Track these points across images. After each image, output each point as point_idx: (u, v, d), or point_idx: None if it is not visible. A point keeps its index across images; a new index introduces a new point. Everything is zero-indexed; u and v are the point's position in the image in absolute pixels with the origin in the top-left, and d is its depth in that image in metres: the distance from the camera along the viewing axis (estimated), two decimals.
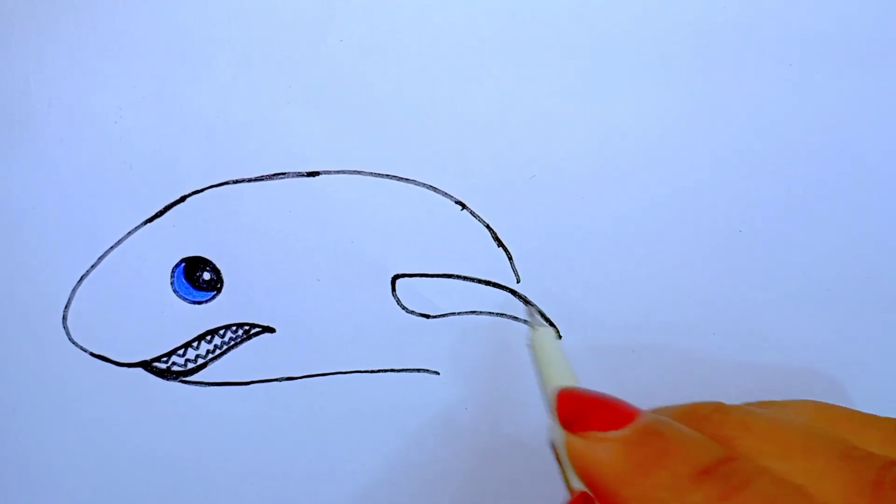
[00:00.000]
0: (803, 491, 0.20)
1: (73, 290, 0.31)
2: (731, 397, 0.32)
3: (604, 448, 0.22)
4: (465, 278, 0.31)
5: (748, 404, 0.24)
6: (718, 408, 0.23)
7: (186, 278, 0.31)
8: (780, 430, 0.22)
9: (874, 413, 0.26)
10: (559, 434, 0.24)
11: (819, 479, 0.20)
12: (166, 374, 0.31)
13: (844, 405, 0.32)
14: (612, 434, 0.22)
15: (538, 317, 0.31)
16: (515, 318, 0.31)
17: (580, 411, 0.23)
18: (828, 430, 0.22)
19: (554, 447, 0.24)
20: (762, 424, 0.22)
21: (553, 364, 0.27)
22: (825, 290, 0.31)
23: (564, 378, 0.26)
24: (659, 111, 0.30)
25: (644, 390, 0.32)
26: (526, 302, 0.31)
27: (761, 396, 0.32)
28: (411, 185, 0.30)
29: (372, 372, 0.32)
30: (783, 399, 0.26)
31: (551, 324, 0.31)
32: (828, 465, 0.21)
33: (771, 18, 0.29)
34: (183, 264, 0.31)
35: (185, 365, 0.31)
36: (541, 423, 0.32)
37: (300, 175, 0.30)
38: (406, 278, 0.31)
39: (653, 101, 0.30)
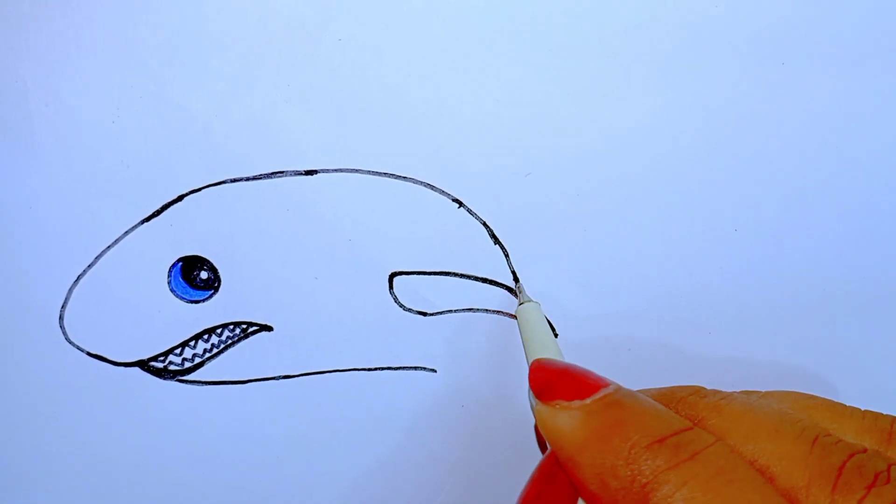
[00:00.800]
0: (757, 465, 0.21)
1: (70, 290, 0.30)
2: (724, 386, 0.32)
3: (566, 416, 0.23)
4: (462, 276, 0.31)
5: (731, 391, 0.25)
6: (695, 391, 0.24)
7: (183, 277, 0.31)
8: (751, 413, 0.22)
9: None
10: (533, 402, 0.24)
11: (784, 461, 0.21)
12: (163, 374, 0.31)
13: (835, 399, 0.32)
14: (575, 403, 0.23)
15: (526, 292, 0.31)
16: (512, 316, 0.32)
17: (549, 382, 0.24)
18: (803, 417, 0.23)
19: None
20: (734, 407, 0.23)
21: (536, 336, 0.28)
22: (819, 289, 0.31)
23: (545, 349, 0.27)
24: (654, 109, 0.30)
25: (639, 385, 0.32)
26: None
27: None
28: (408, 183, 0.30)
29: (369, 370, 0.32)
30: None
31: (548, 322, 0.31)
32: (794, 448, 0.21)
33: (763, 16, 0.29)
34: (180, 263, 0.30)
35: (182, 364, 0.31)
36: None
37: (298, 174, 0.30)
38: (403, 276, 0.31)
39: (648, 99, 0.30)
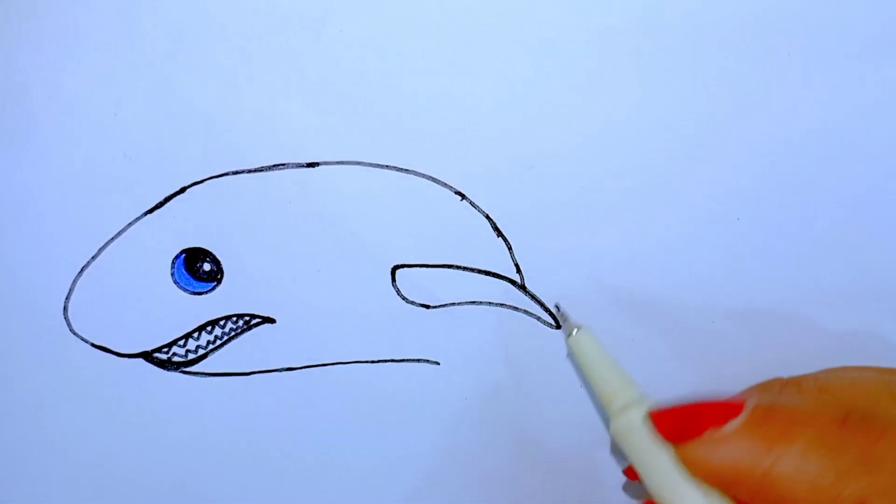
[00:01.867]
0: None
1: (74, 282, 0.31)
2: (730, 385, 0.32)
3: (729, 441, 0.23)
4: (465, 269, 0.31)
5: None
6: (790, 382, 0.25)
7: (187, 269, 0.31)
8: (857, 384, 0.24)
9: None
10: (659, 453, 0.24)
11: None
12: (167, 365, 0.31)
13: None
14: (731, 425, 0.23)
15: (570, 318, 0.30)
16: (515, 308, 0.31)
17: (684, 422, 0.24)
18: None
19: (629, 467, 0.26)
20: (836, 383, 0.24)
21: (604, 372, 0.28)
22: (822, 280, 0.31)
23: (621, 384, 0.27)
24: (657, 101, 0.30)
25: (643, 378, 0.32)
26: (531, 295, 0.31)
27: (761, 378, 0.32)
28: (411, 176, 0.30)
29: (372, 362, 0.32)
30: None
31: (551, 314, 0.31)
32: None
33: (768, 7, 0.29)
34: (183, 255, 0.31)
35: (186, 355, 0.31)
36: (538, 412, 0.32)
37: (300, 166, 0.30)
38: (406, 269, 0.31)
39: (651, 91, 0.30)
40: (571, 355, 0.29)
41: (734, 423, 0.23)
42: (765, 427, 0.23)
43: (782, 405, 0.23)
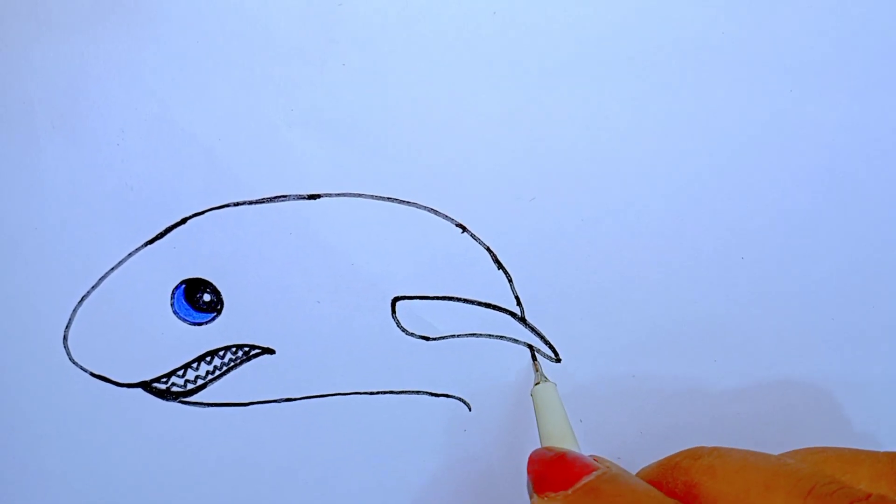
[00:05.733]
0: None
1: (74, 311, 0.31)
2: (732, 422, 0.32)
3: None
4: (465, 301, 0.31)
5: (730, 448, 0.24)
6: (689, 454, 0.24)
7: (187, 300, 0.31)
8: (743, 472, 0.22)
9: (875, 442, 0.26)
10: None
11: None
12: (166, 395, 0.31)
13: (845, 430, 0.32)
14: (559, 494, 0.24)
15: (543, 371, 0.31)
16: (515, 341, 0.31)
17: (542, 474, 0.25)
18: (803, 468, 0.22)
19: None
20: (727, 467, 0.23)
21: (549, 420, 0.29)
22: (828, 316, 0.31)
23: (556, 434, 0.28)
24: (659, 135, 0.30)
25: (644, 415, 0.32)
26: (532, 328, 0.31)
27: (763, 421, 0.32)
28: (412, 208, 0.30)
29: (371, 394, 0.32)
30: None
31: (551, 348, 0.31)
32: (787, 502, 0.21)
33: (765, 26, 0.29)
34: (183, 286, 0.31)
35: (185, 386, 0.31)
36: (537, 444, 0.32)
37: (301, 198, 0.30)
38: (406, 301, 0.31)
39: (652, 123, 0.30)
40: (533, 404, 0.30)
41: (560, 495, 0.24)
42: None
43: (605, 487, 0.24)
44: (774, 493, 0.21)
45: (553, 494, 0.24)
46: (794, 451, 0.25)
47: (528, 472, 0.26)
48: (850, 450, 0.24)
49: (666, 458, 0.25)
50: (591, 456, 0.26)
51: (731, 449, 0.24)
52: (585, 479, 0.24)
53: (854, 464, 0.23)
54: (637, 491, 0.23)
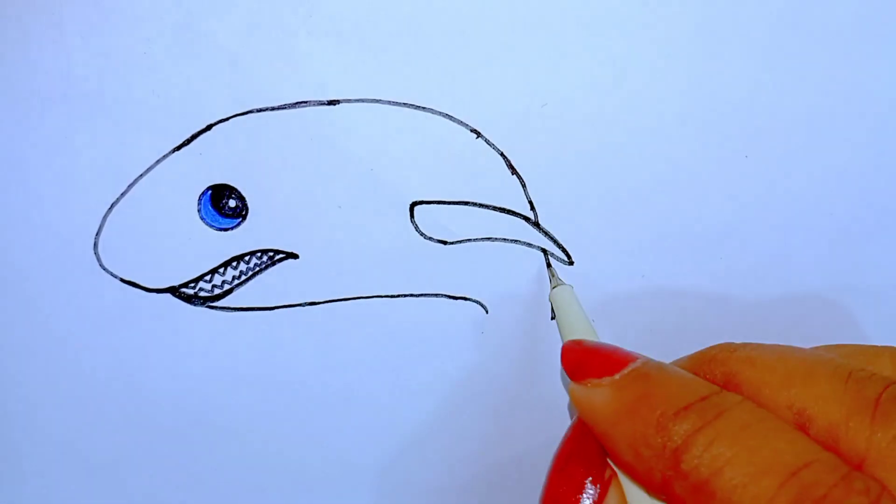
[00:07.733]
0: (795, 410, 0.22)
1: (104, 218, 0.32)
2: (739, 320, 0.33)
3: (597, 393, 0.24)
4: (481, 205, 0.32)
5: (762, 343, 0.25)
6: (725, 347, 0.25)
7: (213, 205, 0.32)
8: (783, 360, 0.23)
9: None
10: (566, 382, 0.26)
11: (821, 402, 0.21)
12: (193, 300, 0.32)
13: (857, 340, 0.33)
14: (605, 380, 0.24)
15: (558, 275, 0.32)
16: (529, 245, 0.32)
17: (580, 362, 0.25)
18: (835, 356, 0.23)
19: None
20: (766, 357, 0.23)
21: (570, 319, 0.29)
22: (836, 213, 0.32)
23: (579, 331, 0.28)
24: (672, 36, 0.31)
25: (654, 315, 0.33)
26: (545, 232, 0.32)
27: (768, 321, 0.33)
28: (428, 114, 0.31)
29: (391, 297, 0.33)
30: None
31: (564, 251, 0.32)
32: (830, 387, 0.22)
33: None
34: (209, 191, 0.32)
35: (212, 290, 0.32)
36: (552, 349, 0.33)
37: (321, 104, 0.31)
38: (424, 205, 0.32)
39: (664, 32, 0.31)
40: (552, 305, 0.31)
41: (605, 381, 0.24)
42: (624, 391, 0.24)
43: (653, 373, 0.24)
44: (816, 379, 0.22)
45: (597, 380, 0.24)
46: (815, 347, 0.26)
47: (564, 362, 0.26)
48: (868, 345, 0.25)
49: (698, 353, 0.25)
50: None
51: (762, 343, 0.25)
52: (632, 366, 0.24)
53: (875, 356, 0.24)
54: (685, 377, 0.23)
